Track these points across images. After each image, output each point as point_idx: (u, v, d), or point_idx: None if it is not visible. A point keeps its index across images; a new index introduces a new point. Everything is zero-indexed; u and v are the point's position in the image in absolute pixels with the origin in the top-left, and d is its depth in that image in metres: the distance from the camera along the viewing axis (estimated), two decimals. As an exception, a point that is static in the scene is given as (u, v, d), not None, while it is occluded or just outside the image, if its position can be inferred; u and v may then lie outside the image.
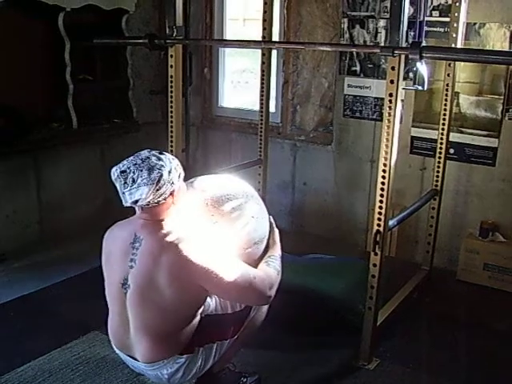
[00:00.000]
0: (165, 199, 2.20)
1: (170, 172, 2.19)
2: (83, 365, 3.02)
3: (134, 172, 2.14)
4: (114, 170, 2.19)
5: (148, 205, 2.18)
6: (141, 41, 3.46)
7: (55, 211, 4.53)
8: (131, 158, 2.20)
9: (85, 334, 3.28)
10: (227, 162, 4.67)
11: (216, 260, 2.20)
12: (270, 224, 2.59)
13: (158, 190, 2.14)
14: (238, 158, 4.68)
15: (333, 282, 3.44)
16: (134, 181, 2.13)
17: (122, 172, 2.15)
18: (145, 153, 2.22)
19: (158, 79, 4.96)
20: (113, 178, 2.18)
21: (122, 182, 2.15)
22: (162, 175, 2.15)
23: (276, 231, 2.62)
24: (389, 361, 3.12)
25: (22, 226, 4.35)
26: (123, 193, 2.16)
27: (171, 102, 3.43)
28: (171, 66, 3.36)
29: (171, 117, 3.45)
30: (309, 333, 3.32)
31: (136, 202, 2.15)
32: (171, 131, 3.47)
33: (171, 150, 3.45)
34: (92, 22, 4.36)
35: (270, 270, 2.41)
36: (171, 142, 3.47)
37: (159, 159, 2.19)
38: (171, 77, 3.38)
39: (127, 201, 2.16)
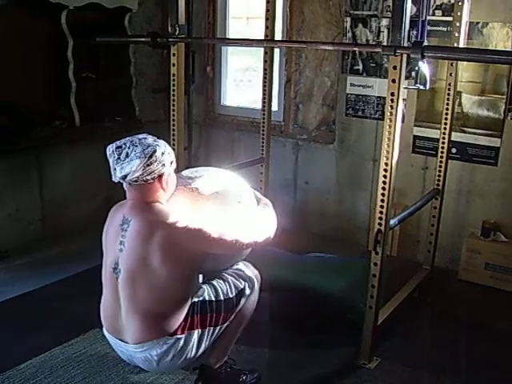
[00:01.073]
0: (153, 179, 2.27)
1: (163, 153, 2.28)
2: (84, 362, 3.03)
3: (129, 147, 2.22)
4: (109, 146, 2.27)
5: (136, 181, 2.24)
6: (143, 39, 3.48)
7: (57, 209, 4.54)
8: (129, 137, 2.28)
9: (86, 331, 3.28)
10: (229, 160, 4.68)
11: (206, 223, 2.29)
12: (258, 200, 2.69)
13: (148, 165, 2.21)
14: (240, 157, 4.69)
15: (334, 280, 3.44)
16: (127, 155, 2.21)
17: (117, 147, 2.24)
18: (143, 134, 2.32)
19: (161, 77, 4.97)
20: (107, 153, 2.26)
21: (116, 157, 2.23)
22: (155, 151, 2.23)
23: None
24: (389, 360, 3.12)
25: (24, 224, 4.36)
26: (114, 168, 2.24)
27: (174, 100, 3.44)
28: (174, 65, 3.37)
29: (173, 115, 3.46)
30: (309, 331, 3.33)
31: (125, 176, 2.22)
32: (173, 129, 3.48)
33: (173, 148, 3.44)
34: (95, 20, 4.36)
35: (264, 211, 2.60)
36: (173, 140, 3.48)
37: (155, 140, 2.30)
38: (174, 75, 3.39)
39: (117, 176, 2.24)
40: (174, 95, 3.43)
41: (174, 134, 3.48)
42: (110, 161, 2.26)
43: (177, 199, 2.41)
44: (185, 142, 4.04)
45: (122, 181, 2.27)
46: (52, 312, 3.51)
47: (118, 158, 2.21)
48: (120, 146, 2.23)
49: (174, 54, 3.35)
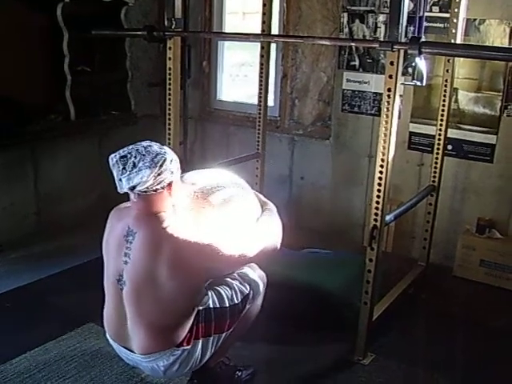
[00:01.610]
0: (162, 188, 2.20)
1: (171, 161, 2.22)
2: (78, 356, 3.02)
3: (135, 157, 2.14)
4: (112, 156, 2.18)
5: (146, 192, 2.17)
6: (139, 33, 3.48)
7: (53, 203, 4.53)
8: (131, 145, 2.21)
9: (80, 325, 3.28)
10: (225, 155, 4.68)
11: (215, 236, 2.25)
12: (262, 204, 2.66)
13: (159, 174, 2.15)
14: (235, 152, 4.68)
15: (329, 276, 3.45)
16: (134, 165, 2.13)
17: (121, 157, 2.15)
18: (146, 142, 2.24)
19: (157, 72, 4.95)
20: (111, 163, 2.17)
21: (121, 168, 2.14)
22: (165, 159, 2.17)
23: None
24: (384, 356, 3.12)
25: (19, 218, 4.35)
26: (120, 179, 2.15)
27: (169, 94, 3.42)
28: (170, 59, 3.36)
29: (169, 109, 3.44)
30: (304, 327, 3.32)
31: (134, 187, 2.14)
32: (169, 124, 3.46)
33: (169, 143, 3.44)
34: (91, 13, 4.33)
35: (269, 220, 2.56)
36: (169, 134, 3.47)
37: (161, 147, 2.23)
38: (169, 69, 3.38)
39: (123, 187, 2.16)
40: (169, 89, 3.41)
41: (169, 129, 3.47)
42: (114, 171, 2.16)
43: (183, 207, 2.36)
44: (180, 136, 4.02)
45: (129, 192, 2.19)
46: (46, 306, 3.51)
47: (124, 169, 2.12)
48: (125, 156, 2.14)
49: (170, 48, 3.34)
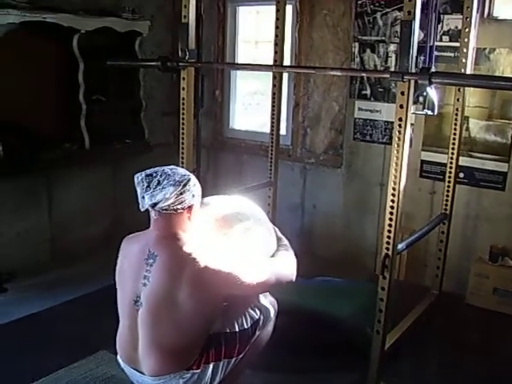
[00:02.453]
0: (183, 209, 2.24)
1: (194, 184, 2.28)
2: (90, 384, 3.02)
3: (161, 176, 2.20)
4: (138, 174, 2.24)
5: (167, 210, 2.21)
6: (153, 63, 3.52)
7: (66, 230, 4.56)
8: (158, 167, 2.27)
9: (92, 353, 3.28)
10: (238, 183, 4.70)
11: (235, 264, 2.27)
12: (278, 239, 2.69)
13: (181, 193, 2.20)
14: (248, 180, 4.69)
15: (341, 304, 3.43)
16: (159, 183, 2.18)
17: (147, 175, 2.21)
18: (172, 166, 2.31)
19: (170, 101, 5.00)
20: (136, 181, 2.23)
21: (145, 185, 2.19)
22: (189, 180, 2.24)
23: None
24: (396, 385, 3.10)
25: (32, 245, 4.38)
26: (143, 196, 2.20)
27: (183, 123, 3.45)
28: (183, 89, 3.39)
29: (182, 138, 3.47)
30: (316, 356, 3.31)
31: (155, 204, 2.19)
32: (182, 152, 3.49)
33: (182, 171, 3.46)
34: (106, 44, 4.40)
35: (286, 254, 2.61)
36: (182, 163, 3.49)
37: (186, 172, 2.30)
38: (183, 99, 3.41)
39: (145, 204, 2.20)
40: (183, 119, 3.44)
41: (182, 157, 3.49)
42: (138, 189, 2.22)
43: (203, 232, 2.39)
44: (193, 165, 4.05)
45: (150, 209, 2.24)
46: (58, 334, 3.51)
47: (148, 187, 2.18)
48: (150, 175, 2.21)
49: (183, 78, 3.38)
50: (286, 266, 2.55)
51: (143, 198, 2.21)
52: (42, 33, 4.11)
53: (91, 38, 4.26)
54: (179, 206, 2.23)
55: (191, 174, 2.30)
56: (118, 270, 2.43)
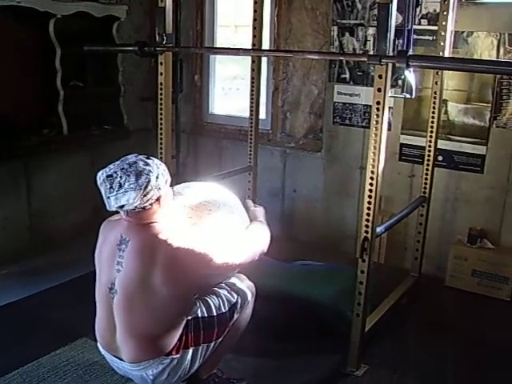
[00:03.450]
0: (151, 205, 2.24)
1: (157, 177, 2.22)
2: (72, 371, 3.02)
3: (121, 177, 2.16)
4: (99, 174, 2.21)
5: (134, 209, 2.21)
6: (131, 48, 3.49)
7: (45, 217, 4.53)
8: (118, 162, 2.23)
9: (74, 340, 3.28)
10: (217, 168, 4.70)
11: (208, 244, 2.29)
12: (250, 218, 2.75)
13: (145, 195, 2.18)
14: (228, 165, 4.70)
15: (321, 288, 3.46)
16: (120, 185, 2.15)
17: (108, 176, 2.18)
18: (132, 157, 2.25)
19: (149, 86, 4.96)
20: (98, 182, 2.21)
21: (108, 187, 2.17)
22: (149, 181, 2.18)
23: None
24: (377, 367, 3.13)
25: (11, 232, 4.34)
26: (108, 197, 2.19)
27: (161, 108, 3.44)
28: (161, 74, 3.38)
29: (161, 124, 3.46)
30: (297, 339, 3.34)
31: (122, 206, 2.18)
32: (161, 138, 3.48)
33: (161, 157, 3.46)
34: (83, 29, 4.36)
35: (258, 226, 2.67)
36: (161, 148, 3.49)
37: (146, 164, 2.22)
38: (161, 84, 3.40)
39: (112, 206, 2.19)
40: (161, 104, 3.43)
41: (161, 143, 3.48)
42: (102, 189, 2.20)
43: (174, 217, 2.40)
44: (173, 150, 4.04)
45: (118, 209, 2.23)
46: (39, 321, 3.50)
47: (111, 188, 2.16)
48: (111, 175, 2.17)
49: (161, 63, 3.36)
50: (258, 237, 2.59)
51: (109, 198, 2.19)
52: (17, 18, 4.05)
53: (68, 23, 4.22)
54: (146, 204, 2.21)
55: (152, 167, 2.21)
56: (96, 255, 2.43)
